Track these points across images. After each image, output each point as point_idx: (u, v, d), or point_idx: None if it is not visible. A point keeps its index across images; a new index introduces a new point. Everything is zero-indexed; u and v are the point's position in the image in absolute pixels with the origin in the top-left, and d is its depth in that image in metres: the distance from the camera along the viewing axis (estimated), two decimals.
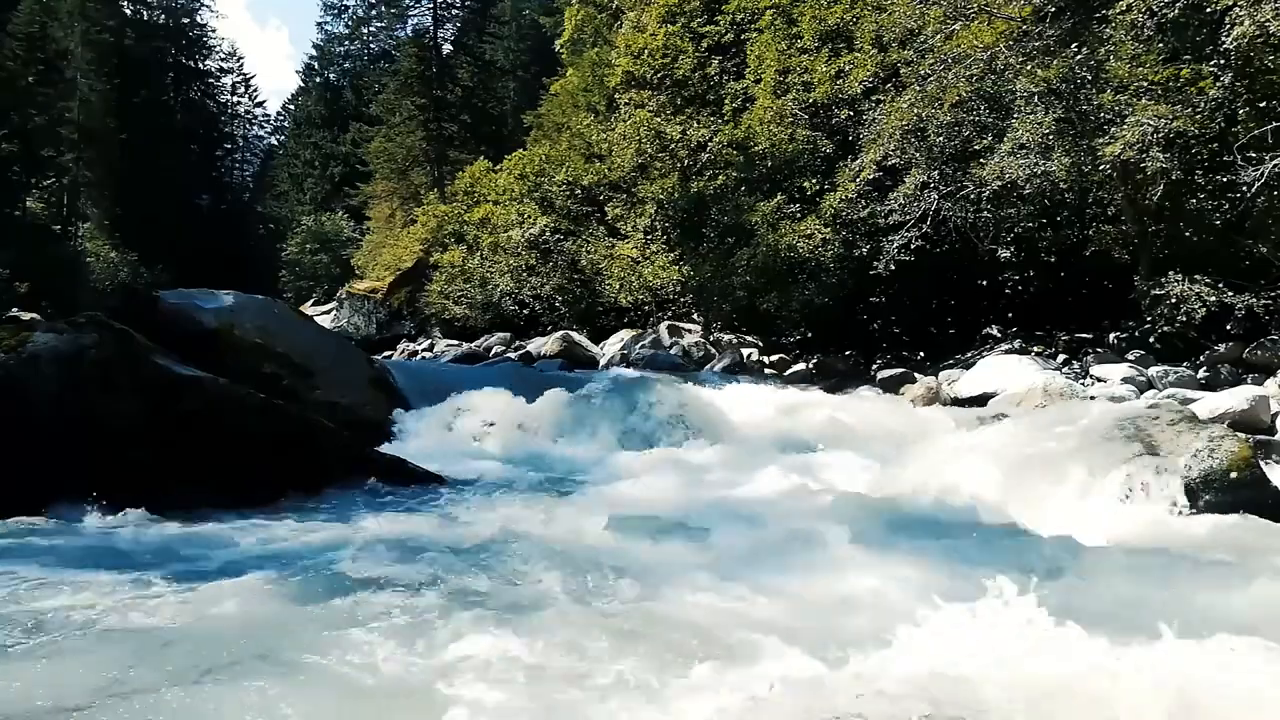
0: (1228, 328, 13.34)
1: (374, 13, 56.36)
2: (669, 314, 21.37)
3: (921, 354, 16.84)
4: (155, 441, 7.01)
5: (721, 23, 23.11)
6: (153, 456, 6.93)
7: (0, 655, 3.85)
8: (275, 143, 60.75)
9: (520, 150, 28.92)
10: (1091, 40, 13.65)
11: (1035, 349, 14.88)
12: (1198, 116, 12.68)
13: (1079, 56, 13.59)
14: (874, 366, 16.44)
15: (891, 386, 14.57)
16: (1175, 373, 12.51)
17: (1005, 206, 15.54)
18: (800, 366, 17.29)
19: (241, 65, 52.50)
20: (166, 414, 7.18)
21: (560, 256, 24.25)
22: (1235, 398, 10.27)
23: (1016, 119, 14.73)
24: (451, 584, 4.95)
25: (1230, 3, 11.58)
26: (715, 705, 3.27)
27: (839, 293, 17.82)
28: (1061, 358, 14.45)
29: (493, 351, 23.63)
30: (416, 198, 38.35)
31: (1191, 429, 7.40)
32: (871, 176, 17.10)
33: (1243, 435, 7.99)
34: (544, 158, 25.54)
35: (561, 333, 22.13)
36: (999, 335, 16.17)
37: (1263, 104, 12.44)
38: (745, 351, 18.47)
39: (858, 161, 17.46)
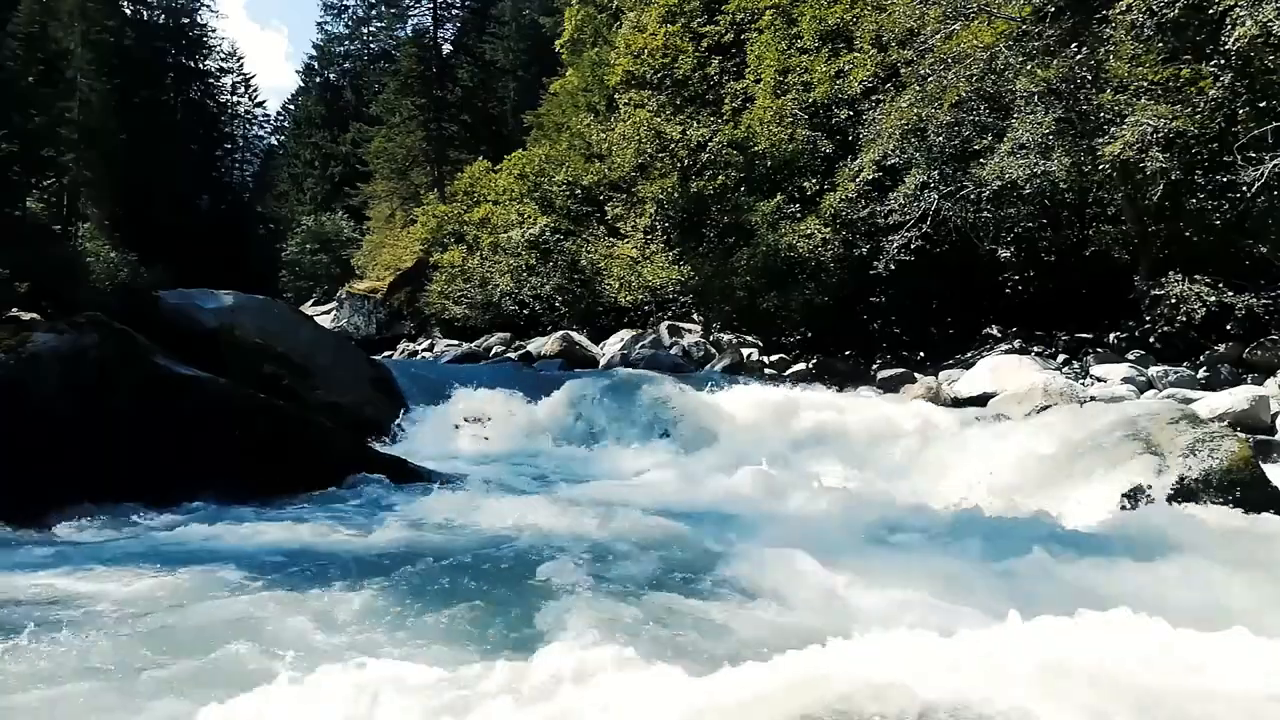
0: (1228, 328, 13.34)
1: (374, 13, 56.25)
2: (669, 314, 21.36)
3: (921, 354, 16.83)
4: (155, 441, 7.01)
5: (721, 23, 23.09)
6: (152, 456, 6.93)
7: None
8: (275, 143, 60.70)
9: (520, 150, 28.91)
10: (1091, 40, 13.65)
11: (1035, 349, 14.88)
12: (1198, 116, 12.68)
13: (1079, 56, 13.59)
14: (874, 366, 16.43)
15: (891, 386, 14.56)
16: (1175, 373, 12.51)
17: (1005, 206, 15.53)
18: (800, 366, 17.28)
19: (241, 65, 52.39)
20: (166, 414, 7.19)
21: (560, 256, 24.23)
22: (1235, 398, 10.28)
23: (1016, 119, 14.73)
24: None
25: (1230, 3, 11.58)
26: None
27: (839, 293, 17.81)
28: (1061, 358, 14.44)
29: (493, 351, 23.62)
30: (416, 198, 38.29)
31: (1191, 429, 7.40)
32: (871, 176, 17.10)
33: (1243, 435, 8.00)
34: (544, 158, 25.52)
35: (561, 333, 22.12)
36: (999, 335, 16.16)
37: (1263, 104, 12.44)
38: (745, 351, 18.46)
39: (858, 161, 17.46)
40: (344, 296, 36.16)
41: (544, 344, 21.72)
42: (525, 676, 3.55)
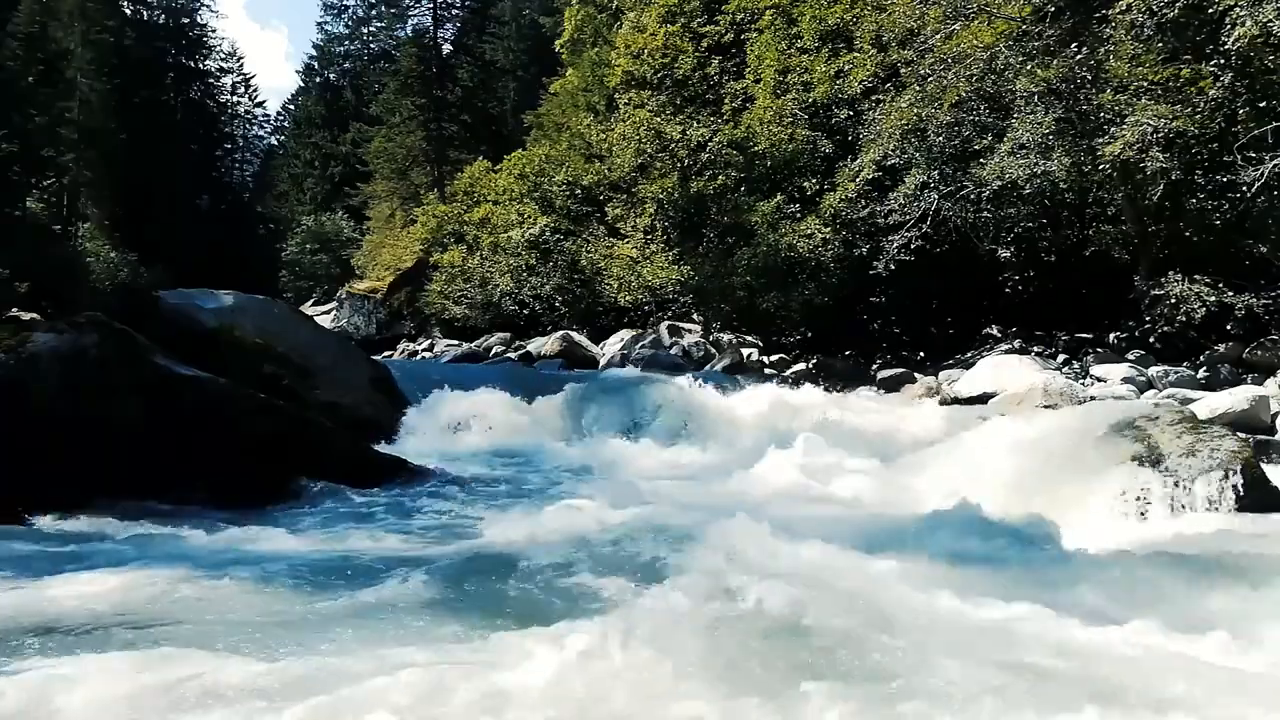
0: (1228, 328, 13.34)
1: (374, 13, 56.23)
2: (669, 314, 21.36)
3: (921, 354, 16.82)
4: (154, 441, 7.01)
5: (721, 23, 23.08)
6: (152, 456, 6.94)
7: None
8: (275, 143, 60.69)
9: (520, 150, 28.91)
10: (1091, 40, 13.64)
11: (1035, 349, 14.87)
12: (1198, 116, 12.67)
13: (1079, 56, 13.59)
14: (874, 366, 16.43)
15: (891, 386, 14.56)
16: (1175, 373, 12.51)
17: (1005, 206, 15.53)
18: (800, 366, 17.28)
19: (241, 65, 52.31)
20: (166, 414, 7.19)
21: (560, 256, 24.24)
22: (1235, 398, 10.27)
23: (1016, 119, 14.72)
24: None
25: (1230, 3, 11.58)
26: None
27: (839, 293, 17.81)
28: (1061, 358, 14.44)
29: (493, 351, 23.62)
30: (416, 198, 38.29)
31: (1191, 429, 7.40)
32: (871, 176, 17.09)
33: (1243, 435, 8.00)
34: (544, 158, 25.52)
35: (561, 333, 22.12)
36: (999, 335, 16.15)
37: (1263, 104, 12.44)
38: (745, 351, 18.46)
39: (858, 161, 17.45)
40: (344, 296, 36.18)
41: (544, 344, 21.73)
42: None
